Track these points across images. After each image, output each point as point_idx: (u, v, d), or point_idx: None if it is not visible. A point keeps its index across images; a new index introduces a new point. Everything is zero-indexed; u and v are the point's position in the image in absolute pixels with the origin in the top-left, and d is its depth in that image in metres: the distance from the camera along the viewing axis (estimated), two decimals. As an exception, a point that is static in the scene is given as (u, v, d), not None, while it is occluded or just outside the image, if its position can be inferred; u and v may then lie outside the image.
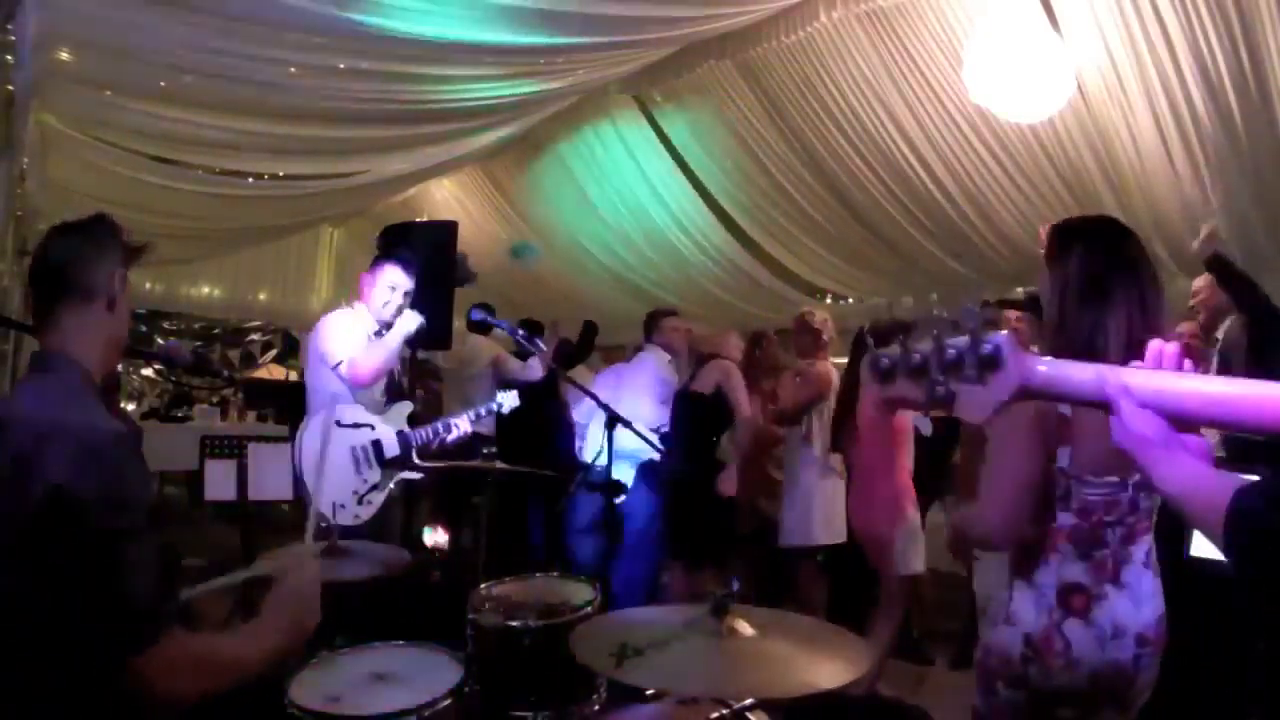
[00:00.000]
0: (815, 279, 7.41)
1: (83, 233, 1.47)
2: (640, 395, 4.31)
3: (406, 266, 3.29)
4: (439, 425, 3.28)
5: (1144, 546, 1.62)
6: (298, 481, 3.12)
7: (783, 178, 6.32)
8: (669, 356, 4.56)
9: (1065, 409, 1.56)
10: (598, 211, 8.03)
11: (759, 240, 7.27)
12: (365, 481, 3.06)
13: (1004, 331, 0.93)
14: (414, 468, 3.23)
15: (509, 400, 3.76)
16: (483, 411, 3.58)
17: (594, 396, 3.21)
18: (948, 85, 4.91)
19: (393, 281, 3.24)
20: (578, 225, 8.36)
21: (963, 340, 0.94)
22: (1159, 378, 0.91)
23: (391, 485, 3.16)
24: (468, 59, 4.83)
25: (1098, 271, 1.63)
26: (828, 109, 5.54)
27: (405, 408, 3.26)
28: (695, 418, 4.18)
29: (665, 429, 4.39)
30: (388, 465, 3.11)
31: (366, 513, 3.03)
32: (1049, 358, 0.96)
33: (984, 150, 5.13)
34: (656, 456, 4.05)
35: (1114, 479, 1.58)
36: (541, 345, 3.76)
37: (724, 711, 1.67)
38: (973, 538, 1.85)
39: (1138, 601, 1.59)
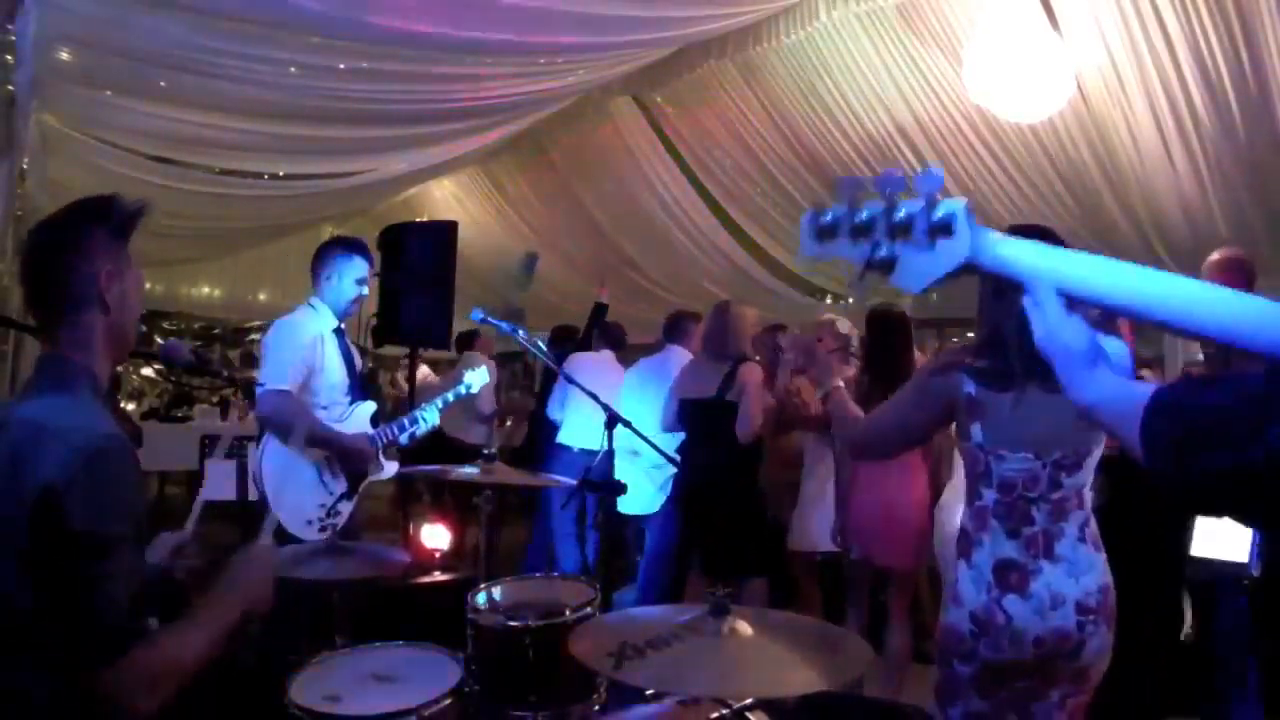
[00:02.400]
0: (815, 279, 7.41)
1: (63, 232, 1.35)
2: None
3: (369, 258, 3.16)
4: (405, 420, 3.18)
5: (1076, 522, 1.72)
6: (260, 495, 2.90)
7: (783, 177, 6.32)
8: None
9: (971, 389, 1.71)
10: (598, 211, 8.03)
11: (759, 240, 7.27)
12: (331, 494, 2.96)
13: (964, 200, 0.86)
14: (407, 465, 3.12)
15: (478, 379, 3.57)
16: (450, 398, 3.41)
17: (595, 397, 3.18)
18: (947, 85, 4.91)
19: (358, 274, 3.09)
20: (577, 225, 8.35)
21: (917, 203, 0.86)
22: (1116, 274, 0.87)
23: (360, 491, 3.05)
24: (468, 59, 4.83)
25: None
26: (828, 109, 5.54)
27: (369, 408, 3.13)
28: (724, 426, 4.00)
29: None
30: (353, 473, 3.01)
31: (336, 522, 2.90)
32: (1006, 236, 0.91)
33: (984, 150, 5.13)
34: (669, 466, 3.98)
35: (1029, 455, 1.70)
36: (543, 346, 3.68)
37: (724, 711, 1.67)
38: (844, 437, 2.20)
39: (1075, 572, 1.69)
